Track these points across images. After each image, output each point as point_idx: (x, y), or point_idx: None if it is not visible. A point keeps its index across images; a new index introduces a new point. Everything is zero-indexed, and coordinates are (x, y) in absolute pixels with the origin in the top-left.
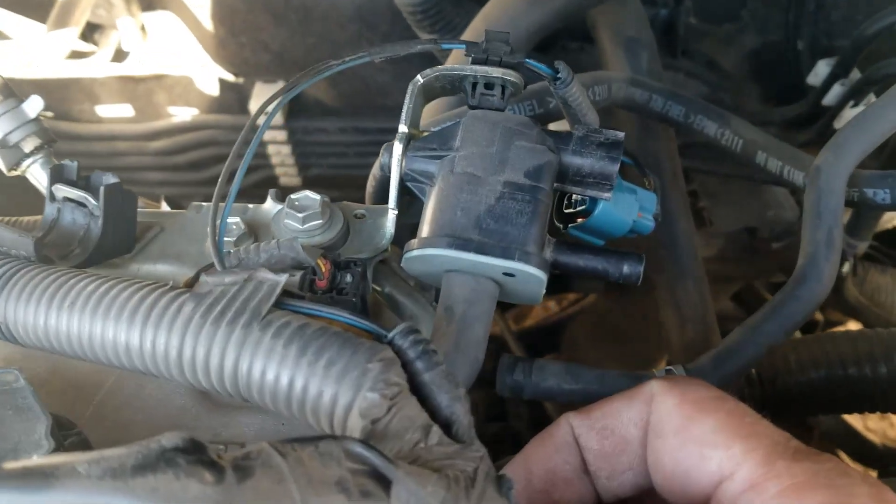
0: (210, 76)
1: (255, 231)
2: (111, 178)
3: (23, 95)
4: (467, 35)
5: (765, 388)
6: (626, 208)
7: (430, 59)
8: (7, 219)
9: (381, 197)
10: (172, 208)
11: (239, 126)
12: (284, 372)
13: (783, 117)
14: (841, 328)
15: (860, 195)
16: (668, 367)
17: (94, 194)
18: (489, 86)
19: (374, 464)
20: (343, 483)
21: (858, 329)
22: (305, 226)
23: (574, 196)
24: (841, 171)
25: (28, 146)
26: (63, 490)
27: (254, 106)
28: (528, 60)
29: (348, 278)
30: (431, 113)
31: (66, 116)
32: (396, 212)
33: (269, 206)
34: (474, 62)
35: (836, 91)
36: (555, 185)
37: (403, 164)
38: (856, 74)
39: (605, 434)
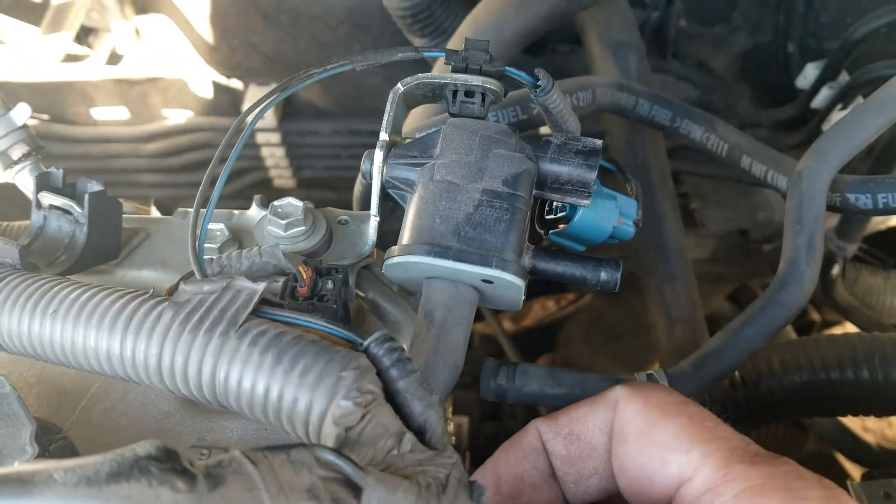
0: (203, 78)
1: (239, 237)
2: (96, 186)
3: (18, 99)
4: (455, 39)
5: (749, 391)
6: (605, 214)
7: (422, 63)
8: None
9: (368, 202)
10: (165, 212)
11: None
12: (260, 379)
13: (773, 119)
14: (838, 328)
15: (842, 200)
16: (650, 372)
17: (80, 201)
18: (469, 94)
19: (345, 471)
20: (314, 490)
21: (842, 333)
22: (288, 232)
23: (555, 203)
24: (822, 177)
25: (16, 153)
26: (40, 497)
27: (247, 108)
28: (507, 68)
29: (329, 285)
30: (415, 120)
31: (61, 119)
32: (378, 218)
33: (254, 212)
34: (454, 70)
35: (824, 94)
36: (534, 192)
37: (384, 171)
38: (844, 77)
39: (571, 439)
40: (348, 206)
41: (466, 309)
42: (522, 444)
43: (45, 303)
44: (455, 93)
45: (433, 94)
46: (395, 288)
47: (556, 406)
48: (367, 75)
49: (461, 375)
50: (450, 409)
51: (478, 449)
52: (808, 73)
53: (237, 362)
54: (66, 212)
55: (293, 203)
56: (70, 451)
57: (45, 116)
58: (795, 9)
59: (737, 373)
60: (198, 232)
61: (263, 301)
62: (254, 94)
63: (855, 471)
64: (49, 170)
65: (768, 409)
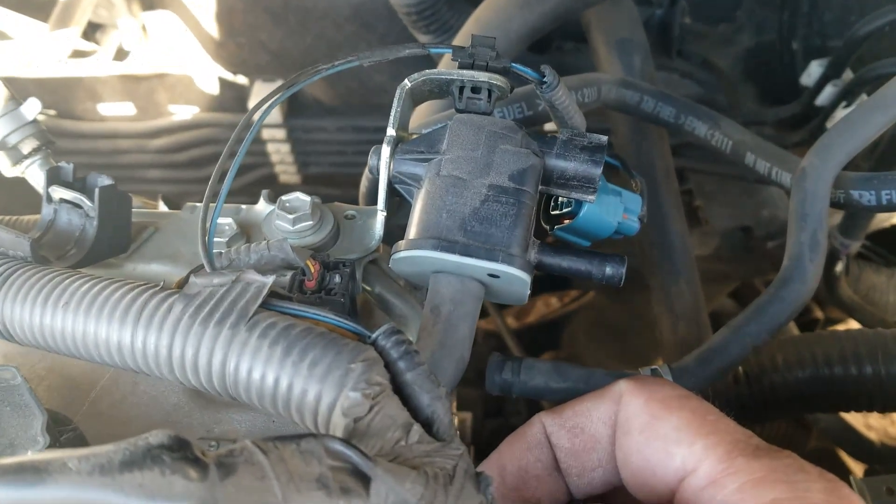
0: (210, 75)
1: (247, 231)
2: (106, 180)
3: (26, 95)
4: (460, 37)
5: (752, 386)
6: (610, 210)
7: (427, 60)
8: (7, 218)
9: (374, 197)
10: (171, 207)
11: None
12: (270, 371)
13: (777, 117)
14: (841, 326)
15: (846, 197)
16: (654, 367)
17: (90, 196)
18: (476, 90)
19: (354, 461)
20: (323, 480)
21: (845, 329)
22: (296, 227)
23: (560, 198)
24: (826, 174)
25: (26, 148)
26: (54, 485)
27: (253, 104)
28: (514, 65)
29: (337, 279)
30: (421, 115)
31: (68, 115)
32: (385, 213)
33: (262, 206)
34: (461, 66)
35: (828, 92)
36: (540, 187)
37: (391, 166)
38: (849, 75)
39: (575, 432)
40: (353, 202)
41: (472, 303)
42: (527, 437)
43: (57, 295)
44: (462, 89)
45: (440, 89)
46: (402, 282)
47: (560, 400)
48: (373, 72)
49: (465, 371)
50: (454, 405)
51: (481, 445)
52: (812, 71)
53: (247, 354)
54: (77, 206)
55: (301, 198)
56: (80, 441)
57: (53, 112)
58: (800, 7)
59: (740, 368)
60: (208, 226)
61: (272, 294)
62: (260, 90)
63: (857, 468)
64: (59, 164)
65: (771, 405)
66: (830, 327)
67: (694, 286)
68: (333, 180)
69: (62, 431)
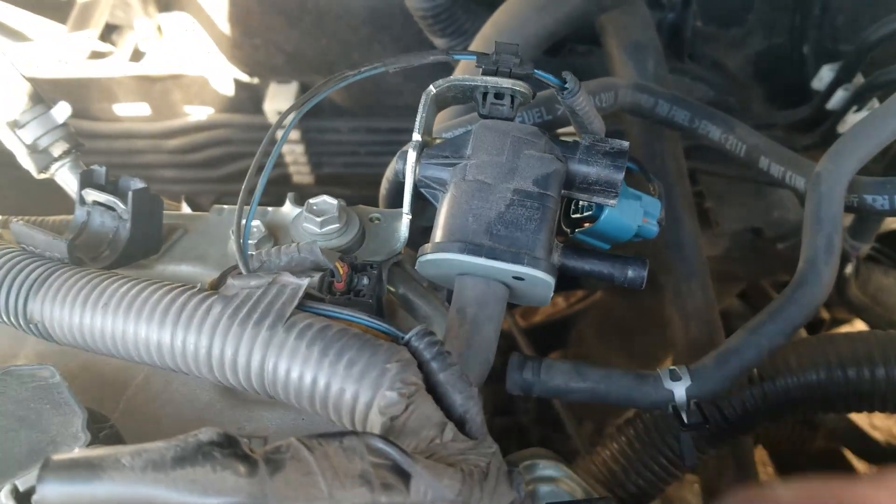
0: (225, 76)
1: (274, 233)
2: (139, 184)
3: (43, 95)
4: (477, 41)
5: (766, 387)
6: (630, 214)
7: (444, 64)
8: (32, 218)
9: (394, 200)
10: (192, 207)
11: (253, 125)
12: (308, 371)
13: (787, 121)
14: (847, 326)
15: (860, 201)
16: (672, 368)
17: (123, 198)
18: (499, 96)
19: (395, 458)
20: (366, 476)
21: (857, 331)
22: (323, 229)
23: (581, 202)
24: (841, 178)
25: (56, 150)
26: (109, 480)
27: (268, 106)
28: (536, 71)
29: (365, 280)
30: (441, 119)
31: (85, 115)
32: (410, 216)
33: (288, 209)
34: (485, 73)
35: (839, 96)
36: (562, 191)
37: (417, 171)
38: (860, 79)
39: None
40: (366, 202)
41: (497, 305)
42: None
43: (97, 296)
44: (485, 95)
45: (463, 95)
46: (425, 284)
47: (580, 401)
48: (388, 75)
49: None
50: None
51: None
52: (824, 75)
53: (285, 354)
54: (110, 208)
55: (328, 201)
56: (117, 438)
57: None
58: (811, 11)
59: (754, 369)
60: (242, 229)
61: (306, 296)
62: (274, 91)
63: (863, 468)
64: (92, 167)
65: (784, 406)
66: (836, 327)
67: (706, 287)
68: (346, 180)
69: (100, 428)
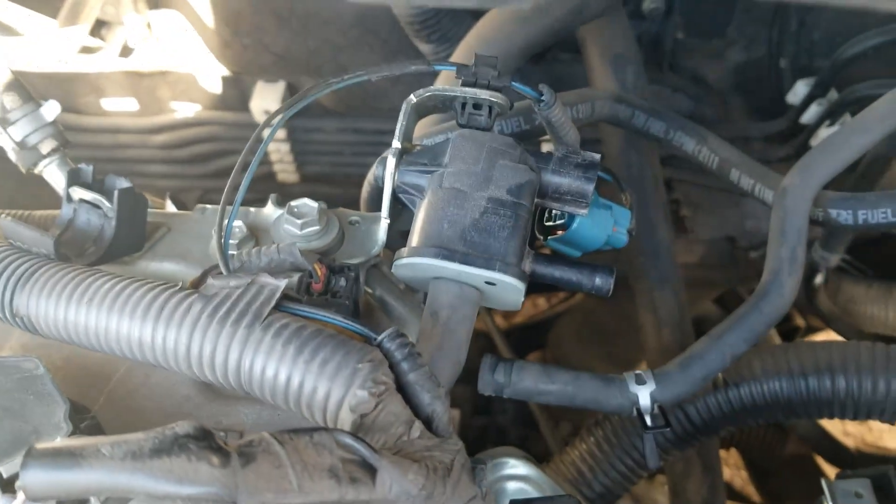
0: (213, 74)
1: (256, 234)
2: (124, 183)
3: (32, 89)
4: (460, 50)
5: (730, 393)
6: (601, 223)
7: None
8: (18, 212)
9: (374, 203)
10: (176, 205)
11: (239, 123)
12: (283, 369)
13: (763, 133)
14: (822, 334)
15: (825, 215)
16: (638, 372)
17: (109, 197)
18: (477, 106)
19: (362, 453)
20: (334, 470)
21: (821, 340)
22: (303, 231)
23: (554, 211)
24: (806, 193)
25: (45, 148)
26: (90, 468)
27: (255, 104)
28: (514, 84)
29: (342, 282)
30: (422, 126)
31: (71, 108)
32: (388, 221)
33: (270, 210)
34: (464, 84)
35: (813, 110)
36: (535, 200)
37: (396, 177)
38: (833, 95)
39: None
40: (350, 201)
41: (470, 309)
42: None
43: (82, 292)
44: (464, 105)
45: (443, 105)
46: (402, 286)
47: (550, 402)
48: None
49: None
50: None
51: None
52: (799, 90)
53: (261, 353)
54: (96, 206)
55: (309, 204)
56: (98, 429)
57: None
58: (788, 25)
59: (720, 374)
60: (223, 230)
61: (284, 296)
62: (262, 90)
63: (834, 473)
64: (80, 166)
65: (749, 411)
66: (811, 335)
67: (678, 294)
68: (331, 180)
69: (81, 419)
